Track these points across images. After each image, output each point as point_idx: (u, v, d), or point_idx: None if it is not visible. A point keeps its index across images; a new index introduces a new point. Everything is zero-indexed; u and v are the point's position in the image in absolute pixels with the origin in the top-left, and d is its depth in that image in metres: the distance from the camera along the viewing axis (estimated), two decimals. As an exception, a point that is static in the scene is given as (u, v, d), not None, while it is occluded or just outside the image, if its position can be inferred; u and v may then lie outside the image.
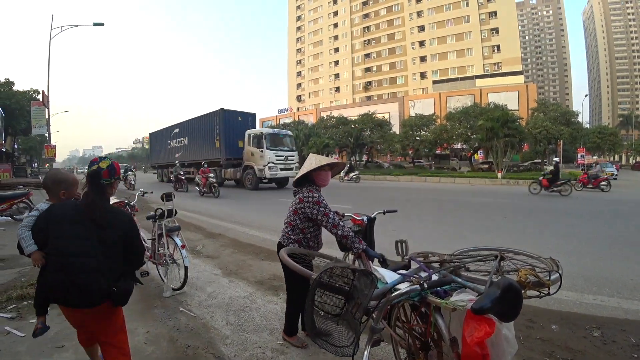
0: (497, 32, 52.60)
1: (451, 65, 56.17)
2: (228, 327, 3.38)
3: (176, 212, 4.56)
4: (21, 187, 14.83)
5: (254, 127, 20.48)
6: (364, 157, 41.36)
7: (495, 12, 52.81)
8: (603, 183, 15.67)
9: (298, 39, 75.28)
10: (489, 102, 35.03)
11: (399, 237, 2.85)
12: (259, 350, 2.93)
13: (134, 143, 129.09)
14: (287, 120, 54.07)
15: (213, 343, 3.08)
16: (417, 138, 32.44)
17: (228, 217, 9.56)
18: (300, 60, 74.77)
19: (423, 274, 2.11)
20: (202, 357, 2.86)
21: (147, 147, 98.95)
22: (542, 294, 1.75)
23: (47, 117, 23.96)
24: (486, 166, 31.34)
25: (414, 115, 37.75)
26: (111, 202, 2.59)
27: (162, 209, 4.34)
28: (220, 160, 19.64)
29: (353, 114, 42.98)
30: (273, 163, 17.43)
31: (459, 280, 1.91)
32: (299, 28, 75.17)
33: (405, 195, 13.96)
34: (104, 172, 2.15)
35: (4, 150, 29.86)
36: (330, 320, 1.97)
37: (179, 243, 4.14)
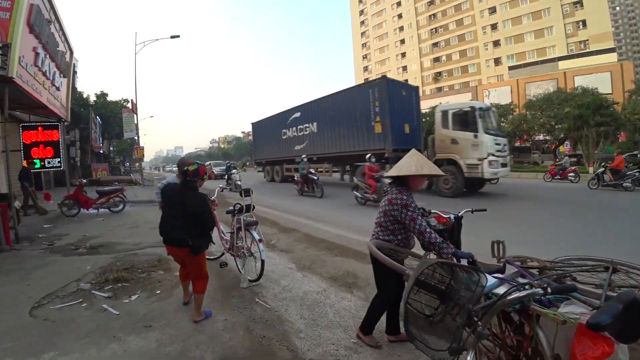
0: (582, 5, 45.40)
1: (529, 47, 50.11)
2: (302, 321, 3.36)
3: (254, 207, 4.69)
4: (116, 183, 16.62)
5: (418, 106, 15.29)
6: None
7: None
8: (571, 175, 16.40)
9: (362, 34, 73.91)
10: (576, 86, 30.79)
11: (488, 238, 2.61)
12: (332, 347, 2.87)
13: (210, 143, 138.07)
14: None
15: (287, 336, 3.08)
16: None
17: (304, 213, 9.62)
18: (366, 55, 73.39)
19: (522, 280, 1.88)
20: (276, 348, 2.88)
21: (223, 146, 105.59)
22: None
23: (135, 122, 26.62)
24: (574, 159, 28.00)
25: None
26: None
27: (240, 204, 4.48)
28: (385, 152, 13.49)
29: (423, 106, 41.00)
30: (494, 155, 11.15)
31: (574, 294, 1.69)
32: (362, 22, 73.87)
33: (483, 193, 12.97)
34: (189, 173, 3.27)
35: (101, 152, 33.84)
36: (423, 321, 1.86)
37: (257, 237, 4.25)
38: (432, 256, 3.07)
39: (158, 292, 4.07)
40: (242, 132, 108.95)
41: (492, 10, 53.20)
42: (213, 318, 3.39)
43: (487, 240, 2.71)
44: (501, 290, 1.79)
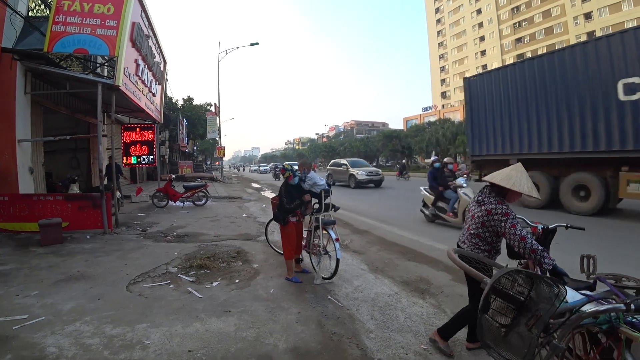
0: None
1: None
2: (372, 321, 3.32)
3: (333, 207, 4.73)
4: (199, 179, 18.00)
5: None
6: None
7: None
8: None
9: (439, 32, 70.62)
10: None
11: (577, 253, 2.38)
12: (401, 351, 2.80)
13: (285, 144, 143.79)
14: (432, 119, 51.66)
15: (357, 334, 3.06)
16: None
17: (375, 216, 9.53)
18: (443, 55, 70.09)
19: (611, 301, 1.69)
20: (346, 345, 2.87)
21: (297, 147, 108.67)
22: None
23: (218, 124, 28.72)
24: None
25: None
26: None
27: (319, 203, 4.56)
28: None
29: None
30: None
31: None
32: (438, 21, 70.55)
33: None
34: (281, 170, 4.45)
35: (187, 151, 36.99)
36: (498, 330, 1.82)
37: (334, 236, 4.29)
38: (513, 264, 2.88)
39: (237, 281, 4.30)
40: (317, 134, 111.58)
41: None
42: (287, 310, 3.48)
43: (576, 257, 2.46)
44: (588, 308, 1.64)
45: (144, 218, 8.93)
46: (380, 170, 20.04)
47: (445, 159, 8.78)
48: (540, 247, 2.25)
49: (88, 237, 6.58)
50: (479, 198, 2.60)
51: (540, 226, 2.97)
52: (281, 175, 4.53)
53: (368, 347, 2.85)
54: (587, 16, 47.12)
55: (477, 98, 11.96)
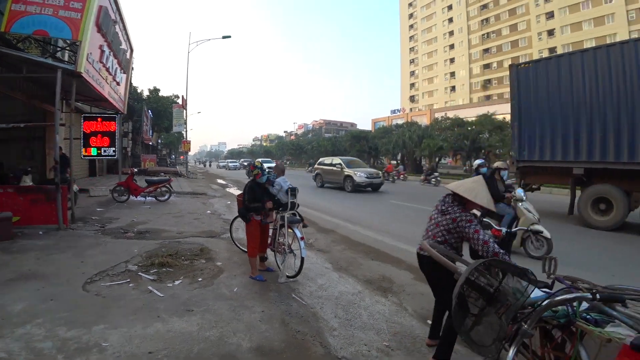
0: None
1: None
2: (336, 320, 3.39)
3: (298, 205, 4.76)
4: (162, 174, 17.47)
5: None
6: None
7: None
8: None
9: (411, 37, 72.22)
10: None
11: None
12: (364, 348, 2.89)
13: (253, 140, 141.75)
14: (400, 121, 52.71)
15: (321, 332, 3.12)
16: None
17: (342, 215, 9.61)
18: (413, 60, 71.68)
19: (570, 295, 1.84)
20: (310, 343, 2.92)
21: (265, 144, 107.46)
22: None
23: (184, 117, 27.91)
24: None
25: None
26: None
27: (285, 201, 4.56)
28: None
29: (470, 114, 38.86)
30: None
31: (614, 313, 1.67)
32: (411, 26, 72.13)
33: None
34: (250, 166, 4.50)
35: (151, 144, 35.74)
36: (469, 318, 1.98)
37: (299, 235, 4.31)
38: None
39: (200, 279, 4.24)
40: (285, 132, 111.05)
41: (550, 15, 50.10)
42: (251, 308, 3.48)
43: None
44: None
45: (102, 213, 8.57)
46: (380, 173, 17.61)
47: (497, 163, 6.26)
48: (501, 251, 2.43)
49: (41, 232, 6.23)
50: (443, 207, 2.77)
51: (504, 230, 3.27)
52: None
53: (332, 345, 2.92)
54: (550, 33, 50.18)
55: (529, 91, 9.81)
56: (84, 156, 11.06)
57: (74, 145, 9.05)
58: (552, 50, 49.21)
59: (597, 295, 1.60)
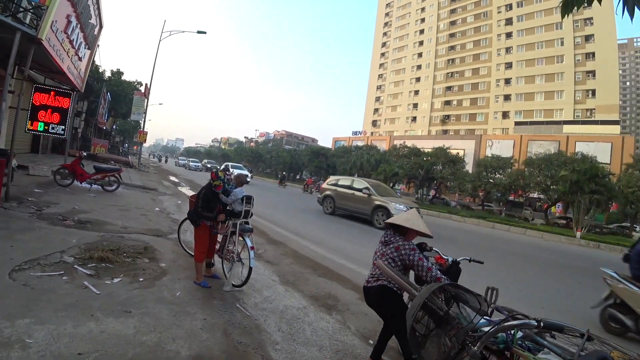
0: (594, 75, 46.98)
1: (537, 107, 51.56)
2: (279, 333, 3.39)
3: (252, 215, 4.69)
4: (112, 162, 16.55)
5: None
6: (432, 192, 39.72)
7: (593, 54, 47.20)
8: None
9: (381, 65, 75.24)
10: (576, 151, 31.17)
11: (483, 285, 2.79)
12: None
13: (212, 141, 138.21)
14: (360, 143, 54.11)
15: (263, 345, 3.10)
16: (491, 180, 29.84)
17: (293, 229, 9.58)
18: (380, 86, 74.51)
19: (513, 322, 2.02)
20: (251, 355, 2.90)
21: (223, 147, 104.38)
22: None
23: (145, 106, 26.66)
24: (563, 222, 28.37)
25: (490, 155, 34.99)
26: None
27: (239, 209, 4.46)
28: None
29: (427, 145, 40.94)
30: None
31: (545, 342, 1.90)
32: (383, 54, 75.23)
33: (470, 239, 13.02)
34: (212, 174, 4.38)
35: (105, 128, 33.78)
36: (419, 339, 2.16)
37: (249, 244, 4.26)
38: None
39: (141, 279, 4.04)
40: (245, 137, 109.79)
41: (509, 65, 55.02)
42: (193, 315, 3.38)
43: (481, 289, 2.79)
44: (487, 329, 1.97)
45: (41, 195, 7.94)
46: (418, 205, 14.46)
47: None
48: (444, 277, 2.60)
49: (-34, 208, 5.67)
50: (386, 239, 2.95)
51: (450, 259, 3.44)
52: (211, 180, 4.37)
53: (273, 358, 2.92)
54: (507, 81, 55.23)
55: None
56: (29, 129, 10.17)
57: (20, 116, 8.37)
58: (506, 96, 54.23)
59: (541, 323, 1.78)
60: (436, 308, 2.10)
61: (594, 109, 46.64)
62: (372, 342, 3.39)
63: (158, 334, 2.91)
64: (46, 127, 10.09)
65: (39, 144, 16.97)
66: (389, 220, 3.03)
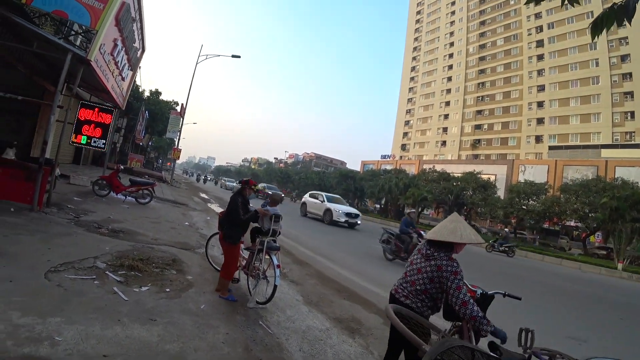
0: (632, 97, 44.21)
1: (572, 130, 48.92)
2: (300, 353, 3.31)
3: (279, 233, 4.70)
4: (147, 176, 17.17)
5: None
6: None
7: (630, 74, 44.59)
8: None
9: (410, 89, 75.10)
10: (616, 177, 29.38)
11: (514, 324, 2.56)
12: None
13: (242, 161, 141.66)
14: (389, 167, 53.75)
15: (283, 364, 3.02)
16: (524, 207, 28.55)
17: (318, 250, 9.51)
18: (410, 110, 74.12)
19: None
20: (271, 373, 2.81)
21: (253, 167, 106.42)
22: None
23: (180, 125, 27.80)
24: (603, 252, 26.42)
25: (523, 181, 33.33)
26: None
27: (268, 227, 4.49)
28: None
29: (457, 170, 40.09)
30: None
31: None
32: (412, 78, 75.19)
33: (504, 269, 12.44)
34: (250, 181, 4.52)
35: (141, 144, 35.30)
36: None
37: (275, 262, 4.25)
38: (455, 336, 2.85)
39: (168, 290, 4.09)
40: (275, 158, 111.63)
41: (541, 88, 53.16)
42: (216, 328, 3.36)
43: (513, 327, 2.59)
44: None
45: (79, 203, 8.31)
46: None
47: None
48: (480, 314, 2.31)
49: (12, 210, 6.00)
50: (428, 252, 2.58)
51: (479, 291, 3.03)
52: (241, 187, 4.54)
53: (292, 378, 2.84)
54: (540, 104, 53.05)
55: None
56: (73, 142, 10.85)
57: (66, 129, 8.91)
58: (540, 120, 52.09)
59: None
60: None
61: (634, 132, 43.77)
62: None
63: (181, 343, 2.91)
64: (89, 141, 10.69)
65: (80, 155, 17.93)
66: (431, 237, 2.63)
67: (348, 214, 17.28)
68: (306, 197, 20.43)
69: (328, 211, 17.37)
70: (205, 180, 48.98)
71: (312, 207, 18.90)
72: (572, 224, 31.81)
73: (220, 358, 2.85)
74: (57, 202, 7.51)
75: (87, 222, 6.62)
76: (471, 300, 2.34)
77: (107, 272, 4.15)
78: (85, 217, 7.02)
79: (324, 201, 18.28)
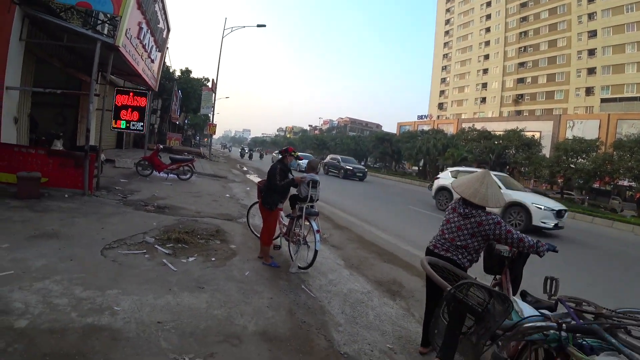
0: None
1: (629, 80, 43.35)
2: (342, 315, 3.39)
3: (318, 199, 4.73)
4: (186, 153, 17.77)
5: None
6: None
7: None
8: None
9: (445, 44, 70.15)
10: None
11: (542, 274, 2.57)
12: (367, 347, 2.89)
13: (277, 131, 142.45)
14: (426, 128, 51.74)
15: (326, 326, 3.13)
16: (572, 166, 26.40)
17: (358, 214, 9.56)
18: (445, 67, 69.63)
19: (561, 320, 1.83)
20: (314, 335, 2.93)
21: (289, 136, 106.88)
22: None
23: (213, 101, 28.26)
24: None
25: (571, 138, 30.63)
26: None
27: (306, 194, 4.54)
28: None
29: (498, 128, 37.59)
30: None
31: (613, 340, 1.59)
32: (447, 32, 69.97)
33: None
34: (289, 148, 4.63)
35: (177, 123, 36.38)
36: (453, 335, 2.03)
37: (315, 227, 4.30)
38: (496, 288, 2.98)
39: (213, 259, 4.29)
40: (310, 126, 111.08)
41: (592, 34, 47.39)
42: (260, 294, 3.50)
43: (541, 278, 2.60)
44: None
45: (125, 185, 8.79)
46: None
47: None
48: (534, 241, 2.55)
49: (66, 196, 6.44)
50: (466, 210, 2.71)
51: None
52: (280, 155, 4.65)
53: (335, 339, 2.92)
54: (591, 52, 47.52)
55: None
56: (113, 128, 11.37)
57: (105, 116, 9.31)
58: (590, 70, 47.13)
59: (564, 326, 1.62)
60: (474, 304, 1.95)
61: (700, 78, 38.99)
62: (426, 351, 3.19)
63: (228, 309, 3.06)
64: (128, 125, 11.13)
65: (122, 140, 18.78)
66: (466, 196, 2.72)
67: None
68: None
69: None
70: (251, 156, 38.60)
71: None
72: (626, 183, 29.29)
73: (265, 322, 2.97)
74: (106, 185, 7.97)
75: (134, 201, 7.00)
76: (523, 235, 2.58)
77: (156, 245, 4.40)
78: (132, 196, 7.42)
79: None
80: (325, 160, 26.24)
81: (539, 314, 1.98)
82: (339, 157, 25.59)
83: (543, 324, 1.77)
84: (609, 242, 10.72)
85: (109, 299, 2.89)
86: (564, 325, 1.69)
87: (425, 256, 2.68)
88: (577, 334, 1.72)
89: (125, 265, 3.66)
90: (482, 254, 2.87)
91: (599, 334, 1.64)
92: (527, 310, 2.02)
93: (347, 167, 23.00)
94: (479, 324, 1.94)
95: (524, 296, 2.54)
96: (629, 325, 1.85)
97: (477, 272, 3.05)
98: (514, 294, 2.71)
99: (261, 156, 41.23)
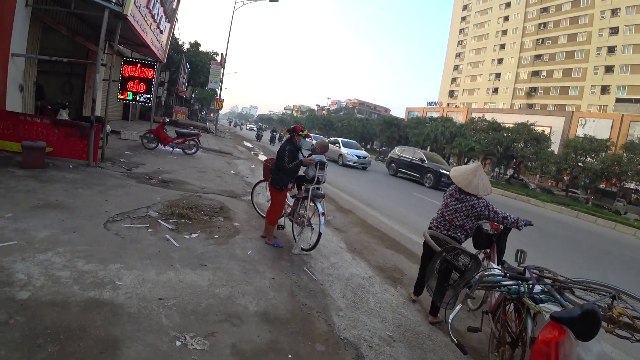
0: None
1: None
2: (343, 300, 3.39)
3: (324, 181, 4.66)
4: (192, 128, 17.68)
5: None
6: (510, 171, 36.19)
7: None
8: None
9: (461, 30, 67.81)
10: None
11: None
12: (367, 333, 2.89)
13: (284, 109, 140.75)
14: (435, 115, 50.84)
15: (327, 310, 3.13)
16: (580, 164, 26.00)
17: (362, 198, 9.51)
18: (459, 54, 67.55)
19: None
20: (315, 318, 2.93)
21: (296, 114, 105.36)
22: (634, 339, 1.98)
23: (221, 75, 27.89)
24: None
25: (581, 136, 29.58)
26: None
27: (313, 175, 4.47)
28: None
29: (508, 120, 36.52)
30: None
31: (556, 294, 2.24)
32: (463, 18, 67.49)
33: (550, 228, 11.85)
34: (297, 127, 4.44)
35: (184, 97, 36.11)
36: (442, 285, 2.70)
37: (320, 209, 4.27)
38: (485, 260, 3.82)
39: (216, 236, 4.28)
40: (317, 105, 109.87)
41: (614, 30, 45.43)
42: (262, 274, 3.49)
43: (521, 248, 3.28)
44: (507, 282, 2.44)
45: (130, 157, 8.75)
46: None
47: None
48: (515, 218, 3.25)
49: (71, 166, 6.41)
50: (461, 196, 3.35)
51: (501, 226, 3.63)
52: (287, 135, 4.45)
53: (335, 324, 2.92)
54: (611, 50, 45.69)
55: None
56: (120, 99, 11.24)
57: (112, 86, 9.19)
58: (608, 68, 45.58)
59: (507, 273, 2.43)
60: (459, 265, 2.58)
61: None
62: (435, 320, 3.32)
63: (229, 288, 3.06)
64: (134, 96, 11.00)
65: (128, 112, 18.69)
66: (462, 186, 3.31)
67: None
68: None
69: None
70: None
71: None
72: (632, 186, 28.86)
73: (267, 302, 2.97)
74: (111, 157, 7.94)
75: (139, 174, 6.98)
76: (507, 214, 3.27)
77: (159, 220, 4.39)
78: (136, 169, 7.40)
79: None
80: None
81: (501, 272, 2.51)
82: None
83: (491, 272, 2.52)
84: (610, 244, 10.65)
85: (111, 273, 2.88)
86: (507, 273, 2.42)
87: (428, 230, 3.45)
88: (534, 292, 2.25)
89: (128, 239, 3.64)
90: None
91: (549, 291, 2.28)
92: (497, 272, 2.55)
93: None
94: (461, 278, 2.51)
95: (502, 264, 3.13)
96: (573, 287, 2.39)
97: (468, 247, 3.22)
98: (498, 263, 3.30)
99: (272, 140, 27.93)
